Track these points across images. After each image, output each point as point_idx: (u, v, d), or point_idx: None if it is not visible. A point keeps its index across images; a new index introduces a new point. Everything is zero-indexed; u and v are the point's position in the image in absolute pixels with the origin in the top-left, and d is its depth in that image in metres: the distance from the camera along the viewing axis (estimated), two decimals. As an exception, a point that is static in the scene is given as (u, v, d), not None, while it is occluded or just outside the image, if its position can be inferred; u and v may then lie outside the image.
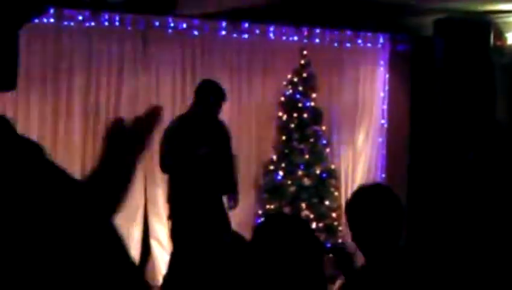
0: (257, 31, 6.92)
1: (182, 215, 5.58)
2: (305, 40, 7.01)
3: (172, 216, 5.74)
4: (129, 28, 6.53)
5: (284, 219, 2.46)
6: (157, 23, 6.55)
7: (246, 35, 6.88)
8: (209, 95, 5.53)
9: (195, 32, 6.74)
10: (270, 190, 6.97)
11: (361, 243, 2.66)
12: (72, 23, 6.30)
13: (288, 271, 2.21)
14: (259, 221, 6.91)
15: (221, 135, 5.66)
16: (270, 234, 2.27)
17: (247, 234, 6.98)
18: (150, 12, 6.43)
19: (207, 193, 5.60)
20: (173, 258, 5.58)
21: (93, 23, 6.33)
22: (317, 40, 7.04)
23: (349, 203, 2.74)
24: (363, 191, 2.75)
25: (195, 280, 2.78)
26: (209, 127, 5.49)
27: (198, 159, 5.38)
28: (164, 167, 5.61)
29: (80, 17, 6.28)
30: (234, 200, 5.81)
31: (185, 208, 5.56)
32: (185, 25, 6.64)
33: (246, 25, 6.81)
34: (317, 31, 7.01)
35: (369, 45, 7.15)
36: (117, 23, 6.45)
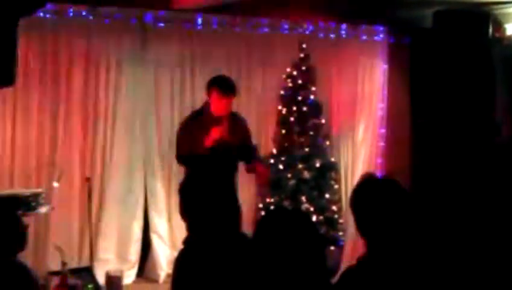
0: (256, 25, 6.90)
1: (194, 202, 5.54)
2: (304, 34, 7.00)
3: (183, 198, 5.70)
4: (127, 23, 6.51)
5: (285, 213, 2.45)
6: (155, 18, 6.53)
7: (244, 29, 6.86)
8: (216, 89, 5.49)
9: (194, 27, 6.73)
10: (270, 183, 6.97)
11: (366, 233, 2.65)
12: (70, 19, 6.28)
13: (291, 264, 2.21)
14: (260, 215, 6.93)
15: (235, 127, 5.64)
16: (272, 228, 2.27)
17: (248, 228, 7.03)
18: (148, 6, 6.41)
19: (220, 181, 5.56)
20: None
21: (91, 18, 6.31)
22: (316, 33, 7.03)
23: (355, 192, 2.72)
24: (370, 182, 2.73)
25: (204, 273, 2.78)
26: (220, 120, 5.48)
27: (206, 151, 5.36)
28: (177, 159, 5.62)
29: (78, 13, 6.26)
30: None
31: (197, 196, 5.52)
32: (183, 19, 6.62)
33: (245, 18, 6.79)
34: (316, 24, 6.99)
35: (368, 37, 7.14)
36: (115, 18, 6.43)
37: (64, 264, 5.56)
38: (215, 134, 5.38)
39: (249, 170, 5.76)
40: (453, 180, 6.39)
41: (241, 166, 5.78)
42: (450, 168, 6.52)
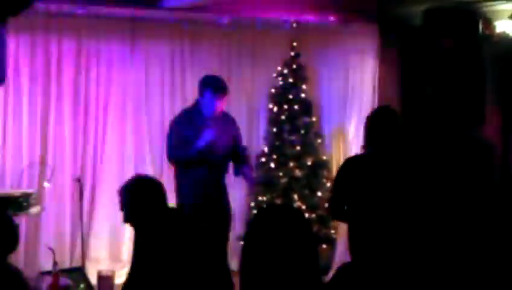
0: (246, 23, 6.90)
1: (187, 204, 5.53)
2: (294, 31, 7.00)
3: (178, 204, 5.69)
4: (117, 21, 6.50)
5: (277, 210, 2.45)
6: (145, 16, 6.53)
7: (234, 27, 6.86)
8: (209, 89, 5.47)
9: (184, 25, 6.72)
10: (261, 182, 6.97)
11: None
12: (60, 17, 6.27)
13: (283, 262, 2.21)
14: (252, 214, 6.93)
15: (227, 127, 5.62)
16: (265, 225, 2.27)
17: (239, 226, 7.01)
18: (137, 4, 6.41)
19: (211, 182, 5.55)
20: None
21: (81, 17, 6.30)
22: (306, 31, 7.03)
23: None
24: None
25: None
26: (211, 120, 5.45)
27: (199, 149, 5.35)
28: (169, 160, 5.61)
29: (68, 11, 6.25)
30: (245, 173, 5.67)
31: (189, 197, 5.52)
32: (173, 17, 6.61)
33: (235, 16, 6.79)
34: (306, 21, 6.99)
35: (358, 35, 7.14)
36: (105, 17, 6.42)
37: (55, 264, 5.55)
38: (208, 135, 5.37)
39: (236, 174, 5.75)
40: (442, 176, 6.41)
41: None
42: (440, 165, 6.53)
